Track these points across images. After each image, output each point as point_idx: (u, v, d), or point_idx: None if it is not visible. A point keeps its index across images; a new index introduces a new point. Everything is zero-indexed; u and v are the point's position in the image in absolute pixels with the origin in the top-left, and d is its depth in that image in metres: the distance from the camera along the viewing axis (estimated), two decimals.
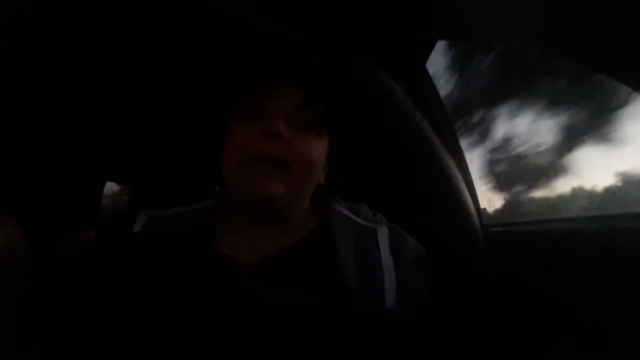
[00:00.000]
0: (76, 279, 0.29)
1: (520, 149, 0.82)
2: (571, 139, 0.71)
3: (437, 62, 0.70)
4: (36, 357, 0.26)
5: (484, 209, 0.74)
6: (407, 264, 0.42)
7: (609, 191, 0.62)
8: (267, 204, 0.42)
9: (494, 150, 0.85)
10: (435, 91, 0.73)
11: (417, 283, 0.42)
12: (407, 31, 0.60)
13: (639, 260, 0.35)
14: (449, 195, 0.38)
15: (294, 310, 0.31)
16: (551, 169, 0.75)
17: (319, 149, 0.44)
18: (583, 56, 0.43)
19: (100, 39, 0.46)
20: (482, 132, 0.86)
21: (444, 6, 0.53)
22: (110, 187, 1.11)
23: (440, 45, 0.66)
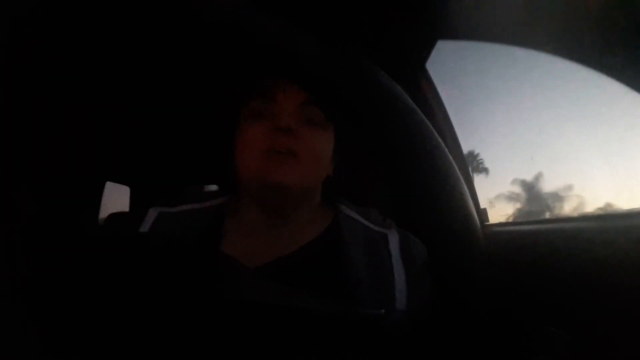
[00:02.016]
0: (77, 279, 0.29)
1: None
2: None
3: (437, 62, 0.70)
4: (35, 355, 0.26)
5: (484, 209, 0.74)
6: (417, 269, 0.42)
7: None
8: (281, 193, 0.42)
9: None
10: (435, 91, 0.73)
11: (427, 290, 0.42)
12: (407, 31, 0.60)
13: (639, 259, 0.35)
14: (449, 195, 0.38)
15: (297, 311, 0.31)
16: None
17: (325, 140, 0.45)
18: (583, 56, 0.44)
19: (104, 39, 0.46)
20: None
21: (444, 6, 0.53)
22: (110, 187, 1.11)
23: (440, 45, 0.66)
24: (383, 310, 0.36)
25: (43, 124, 0.71)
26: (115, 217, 0.48)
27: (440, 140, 0.40)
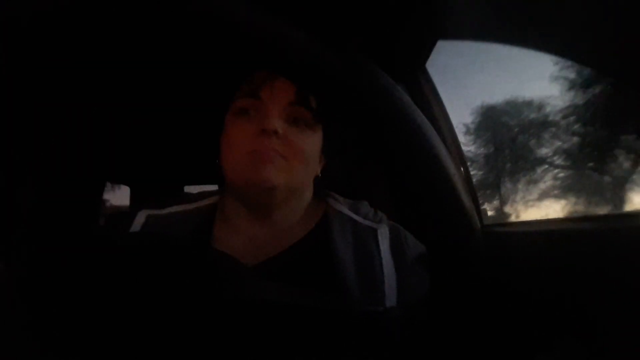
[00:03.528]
0: (74, 280, 0.29)
1: None
2: None
3: (437, 62, 0.70)
4: (34, 355, 0.26)
5: (484, 209, 0.74)
6: (407, 264, 0.42)
7: None
8: (268, 194, 0.42)
9: None
10: (435, 91, 0.73)
11: (418, 283, 0.42)
12: (407, 31, 0.60)
13: (638, 260, 0.35)
14: (449, 195, 0.38)
15: (293, 308, 0.31)
16: None
17: (313, 142, 0.45)
18: (584, 56, 0.44)
19: (98, 39, 0.46)
20: None
21: (444, 6, 0.53)
22: (110, 187, 1.11)
23: (440, 45, 0.66)
24: (382, 308, 0.36)
25: (44, 125, 0.71)
26: (113, 218, 0.48)
27: (439, 140, 0.40)
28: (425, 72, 0.72)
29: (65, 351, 0.27)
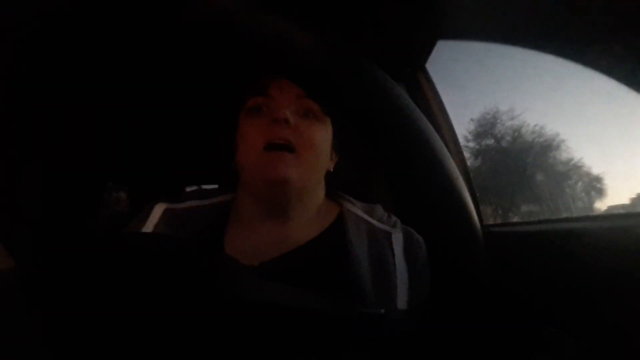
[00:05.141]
0: (73, 280, 0.29)
1: None
2: None
3: (437, 62, 0.70)
4: (36, 355, 0.26)
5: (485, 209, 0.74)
6: (419, 268, 0.42)
7: None
8: (282, 189, 0.42)
9: None
10: (435, 91, 0.73)
11: (429, 288, 0.42)
12: (407, 31, 0.60)
13: (639, 260, 0.35)
14: (451, 195, 0.38)
15: (292, 309, 0.31)
16: None
17: (323, 134, 0.46)
18: (585, 56, 0.44)
19: (101, 40, 0.46)
20: None
21: (444, 6, 0.53)
22: (110, 187, 1.11)
23: (440, 45, 0.66)
24: (383, 310, 0.36)
25: (44, 125, 0.71)
26: (115, 217, 0.49)
27: (440, 140, 0.40)
28: (425, 72, 0.72)
29: (68, 351, 0.27)
